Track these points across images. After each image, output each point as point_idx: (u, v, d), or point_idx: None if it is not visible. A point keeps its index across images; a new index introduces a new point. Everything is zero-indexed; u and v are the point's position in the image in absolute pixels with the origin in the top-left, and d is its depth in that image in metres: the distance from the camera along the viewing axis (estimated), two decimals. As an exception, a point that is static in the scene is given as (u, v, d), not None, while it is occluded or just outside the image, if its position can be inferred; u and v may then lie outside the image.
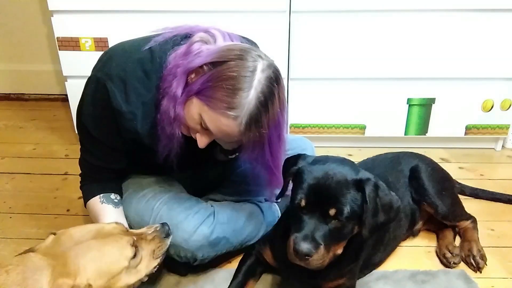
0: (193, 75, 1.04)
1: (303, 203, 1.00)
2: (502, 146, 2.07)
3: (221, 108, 0.99)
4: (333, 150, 2.05)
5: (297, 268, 1.04)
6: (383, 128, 1.99)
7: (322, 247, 0.97)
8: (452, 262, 1.30)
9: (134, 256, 0.98)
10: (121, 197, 1.27)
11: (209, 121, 1.02)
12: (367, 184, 1.00)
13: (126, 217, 1.28)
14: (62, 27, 1.80)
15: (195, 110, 1.03)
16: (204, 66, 1.01)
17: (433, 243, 1.42)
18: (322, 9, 1.76)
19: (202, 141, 1.08)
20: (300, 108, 1.94)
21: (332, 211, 0.98)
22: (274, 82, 1.02)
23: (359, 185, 1.01)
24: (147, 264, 1.03)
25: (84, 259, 0.92)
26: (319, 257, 0.98)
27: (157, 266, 1.06)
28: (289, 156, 1.15)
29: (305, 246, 0.96)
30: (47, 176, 1.81)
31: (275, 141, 1.10)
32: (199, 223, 1.22)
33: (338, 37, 1.80)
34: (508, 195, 1.62)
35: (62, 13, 1.78)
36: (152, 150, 1.15)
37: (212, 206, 1.30)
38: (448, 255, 1.31)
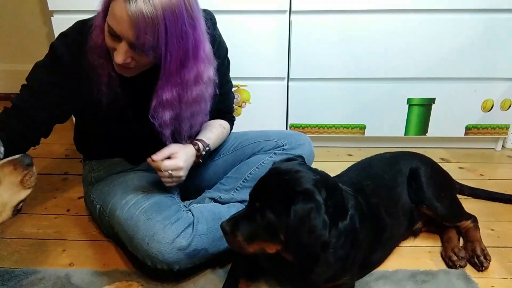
0: None
1: (251, 192, 1.05)
2: (502, 146, 2.07)
3: None
4: (333, 150, 2.05)
5: (290, 270, 1.05)
6: (383, 128, 1.99)
7: (239, 234, 1.02)
8: (458, 266, 1.29)
9: None
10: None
11: (109, 18, 1.04)
12: (302, 201, 0.95)
13: (113, 226, 1.29)
14: (62, 27, 1.79)
15: (106, 24, 1.06)
16: None
17: (433, 243, 1.42)
18: (322, 9, 1.76)
19: (118, 56, 1.06)
20: (300, 108, 1.94)
21: (256, 204, 1.00)
22: None
23: (291, 199, 0.96)
24: (11, 194, 0.98)
25: None
26: (234, 241, 1.04)
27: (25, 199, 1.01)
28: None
29: (223, 225, 1.04)
30: (47, 176, 1.81)
31: (180, 58, 1.08)
32: (177, 234, 1.18)
33: (338, 37, 1.80)
34: (508, 195, 1.62)
35: (62, 13, 1.78)
36: (98, 102, 1.19)
37: (192, 215, 1.25)
38: (454, 258, 1.30)
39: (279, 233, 0.98)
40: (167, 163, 1.20)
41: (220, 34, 1.38)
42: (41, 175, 1.82)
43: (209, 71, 1.20)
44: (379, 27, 1.78)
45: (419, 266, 1.31)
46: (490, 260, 1.30)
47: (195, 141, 1.30)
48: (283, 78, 1.88)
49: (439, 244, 1.41)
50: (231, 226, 1.03)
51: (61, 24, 1.79)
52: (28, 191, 1.02)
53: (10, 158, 1.02)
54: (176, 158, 1.21)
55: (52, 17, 1.79)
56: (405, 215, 1.34)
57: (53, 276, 1.25)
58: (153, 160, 1.20)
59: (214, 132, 1.38)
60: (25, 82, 1.21)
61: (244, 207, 1.08)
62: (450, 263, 1.31)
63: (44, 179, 1.78)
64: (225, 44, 1.40)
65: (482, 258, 1.29)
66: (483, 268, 1.28)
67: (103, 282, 1.24)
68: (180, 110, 1.20)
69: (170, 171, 1.20)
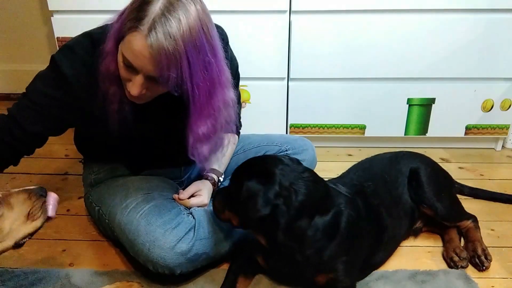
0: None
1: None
2: (502, 146, 2.07)
3: (130, 27, 0.96)
4: (333, 150, 2.05)
5: (285, 267, 1.09)
6: (383, 128, 1.99)
7: (215, 201, 1.21)
8: (460, 266, 1.28)
9: None
10: None
11: (125, 50, 0.99)
12: (255, 177, 1.07)
13: (113, 230, 1.28)
14: (62, 27, 1.80)
15: (120, 53, 1.02)
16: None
17: (433, 243, 1.42)
18: (322, 9, 1.76)
19: (133, 88, 1.02)
20: (300, 108, 1.94)
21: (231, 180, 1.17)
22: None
23: (252, 174, 1.09)
24: (18, 224, 0.94)
25: None
26: (215, 207, 1.21)
27: (37, 230, 0.98)
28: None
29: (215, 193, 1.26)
30: (47, 176, 1.81)
31: (202, 84, 1.03)
32: (178, 239, 1.17)
33: (338, 37, 1.80)
34: (507, 194, 1.62)
35: (62, 13, 1.78)
36: (106, 123, 1.16)
37: (194, 218, 1.25)
38: (456, 258, 1.30)
39: (235, 205, 1.12)
40: (194, 202, 1.31)
41: (231, 50, 1.37)
42: (41, 175, 1.82)
43: (231, 93, 1.17)
44: (379, 27, 1.78)
45: (419, 266, 1.31)
46: (491, 260, 1.30)
47: (211, 175, 1.39)
48: (283, 78, 1.88)
49: (439, 244, 1.41)
50: (215, 193, 1.26)
51: (61, 24, 1.79)
52: (34, 225, 0.97)
53: (26, 187, 1.00)
54: (201, 196, 1.33)
55: (52, 17, 1.79)
56: (406, 215, 1.34)
57: (53, 276, 1.25)
58: (179, 199, 1.31)
59: (226, 155, 1.42)
60: (25, 91, 1.17)
61: None
62: (451, 264, 1.30)
63: (44, 179, 1.78)
64: (236, 60, 1.39)
65: (483, 258, 1.29)
66: (484, 268, 1.28)
67: (103, 282, 1.23)
68: (215, 138, 1.19)
69: (194, 202, 1.31)
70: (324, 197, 1.12)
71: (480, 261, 1.29)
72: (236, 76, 1.36)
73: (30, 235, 0.98)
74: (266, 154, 1.13)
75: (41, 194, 0.99)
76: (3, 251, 0.96)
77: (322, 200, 1.11)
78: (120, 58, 1.02)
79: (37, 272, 1.27)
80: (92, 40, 1.13)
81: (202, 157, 1.18)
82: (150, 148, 1.32)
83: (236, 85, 1.34)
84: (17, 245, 0.97)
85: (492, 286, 1.24)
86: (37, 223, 0.97)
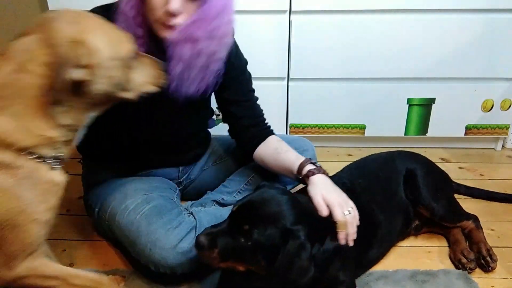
0: None
1: (234, 208, 1.03)
2: (502, 146, 2.07)
3: None
4: (333, 150, 2.05)
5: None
6: (383, 128, 1.99)
7: (216, 250, 1.00)
8: (468, 268, 1.28)
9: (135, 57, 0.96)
10: None
11: None
12: (293, 240, 0.98)
13: (113, 231, 1.28)
14: (62, 27, 1.80)
15: None
16: None
17: (433, 243, 1.42)
18: (322, 9, 1.76)
19: (173, 3, 1.02)
20: (300, 108, 1.94)
21: (245, 227, 0.99)
22: None
23: (285, 234, 0.98)
24: (142, 80, 1.00)
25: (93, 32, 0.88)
26: (209, 257, 1.01)
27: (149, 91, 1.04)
28: None
29: (202, 240, 1.00)
30: (47, 176, 1.81)
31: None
32: (179, 239, 1.17)
33: (338, 37, 1.80)
34: (504, 193, 1.62)
35: (62, 13, 1.78)
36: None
37: (194, 218, 1.25)
38: (464, 260, 1.29)
39: (262, 259, 1.00)
40: (337, 210, 1.07)
41: (238, 46, 1.37)
42: (41, 175, 1.81)
43: (225, 40, 1.16)
44: (379, 27, 1.78)
45: (419, 266, 1.31)
46: (496, 260, 1.29)
47: (312, 167, 1.19)
48: (283, 78, 1.88)
49: (439, 244, 1.41)
50: (209, 242, 1.00)
51: (61, 24, 1.79)
52: (154, 88, 1.04)
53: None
54: (331, 198, 1.10)
55: (52, 17, 1.79)
56: (401, 212, 1.34)
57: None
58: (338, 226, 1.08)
59: (290, 148, 1.31)
60: None
61: (223, 221, 1.05)
62: (459, 266, 1.29)
63: (44, 179, 1.78)
64: (243, 56, 1.39)
65: (488, 258, 1.28)
66: (490, 268, 1.28)
67: (103, 282, 1.23)
68: (197, 54, 1.12)
69: (347, 212, 1.08)
70: (318, 225, 1.07)
71: (485, 262, 1.28)
72: (245, 73, 1.37)
73: (147, 95, 1.04)
74: (265, 194, 1.05)
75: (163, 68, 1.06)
76: (122, 100, 0.99)
77: (315, 223, 1.07)
78: None
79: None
80: (102, 7, 1.14)
81: (179, 52, 1.10)
82: (151, 147, 1.32)
83: (246, 81, 1.37)
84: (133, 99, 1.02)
85: (492, 286, 1.24)
86: (156, 88, 1.05)
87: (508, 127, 1.98)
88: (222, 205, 1.39)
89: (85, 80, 0.86)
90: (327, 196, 1.09)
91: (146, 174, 1.38)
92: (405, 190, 1.36)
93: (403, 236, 1.41)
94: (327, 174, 1.19)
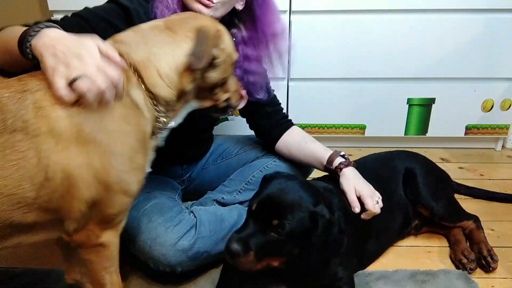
0: None
1: (254, 207, 1.02)
2: (502, 146, 2.07)
3: None
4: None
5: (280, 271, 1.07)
6: (383, 128, 1.99)
7: (252, 253, 0.98)
8: (469, 268, 1.27)
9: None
10: None
11: None
12: (322, 219, 1.01)
13: None
14: (62, 27, 1.80)
15: None
16: None
17: (433, 243, 1.42)
18: (322, 9, 1.76)
19: None
20: (300, 108, 1.94)
21: (274, 222, 0.99)
22: None
23: (312, 216, 1.01)
24: (232, 89, 1.07)
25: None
26: (247, 261, 0.99)
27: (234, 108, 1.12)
28: None
29: (235, 247, 0.98)
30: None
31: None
32: (179, 236, 1.17)
33: (338, 37, 1.80)
34: (504, 193, 1.62)
35: (62, 13, 1.77)
36: None
37: (195, 216, 1.25)
38: (465, 261, 1.29)
39: (295, 248, 1.01)
40: (369, 201, 1.18)
41: None
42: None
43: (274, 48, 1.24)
44: (379, 27, 1.78)
45: (419, 266, 1.31)
46: (497, 261, 1.29)
47: (340, 163, 1.26)
48: (283, 78, 1.88)
49: (439, 244, 1.41)
50: (242, 247, 0.98)
51: (61, 24, 1.79)
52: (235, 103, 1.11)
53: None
54: (363, 190, 1.20)
55: (52, 17, 1.79)
56: (400, 211, 1.35)
57: (53, 276, 1.25)
58: (365, 213, 1.19)
59: (316, 142, 1.38)
60: (75, 13, 1.12)
61: (244, 222, 1.05)
62: (460, 266, 1.29)
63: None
64: None
65: (489, 259, 1.28)
66: (491, 269, 1.27)
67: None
68: (256, 63, 1.23)
69: (375, 202, 1.19)
70: (330, 203, 1.11)
71: (486, 262, 1.28)
72: None
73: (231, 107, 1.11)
74: (281, 185, 1.06)
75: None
76: (204, 104, 1.05)
77: (330, 207, 1.10)
78: None
79: (37, 272, 1.27)
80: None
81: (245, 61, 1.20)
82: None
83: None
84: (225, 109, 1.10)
85: (492, 286, 1.24)
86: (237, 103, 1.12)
87: (508, 127, 1.98)
88: (222, 204, 1.39)
89: (217, 60, 0.95)
90: (359, 189, 1.20)
91: (149, 172, 1.37)
92: (405, 190, 1.37)
93: (402, 235, 1.41)
94: (354, 165, 1.27)
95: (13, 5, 2.32)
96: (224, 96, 1.06)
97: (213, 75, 0.98)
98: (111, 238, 0.91)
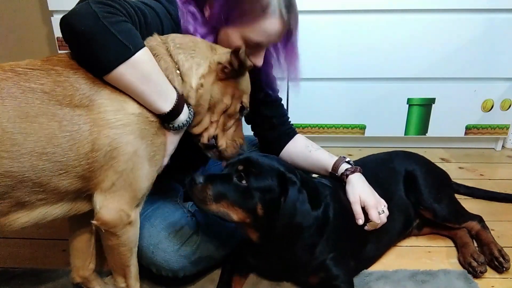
0: (207, 9, 1.09)
1: (230, 161, 1.08)
2: (502, 146, 2.08)
3: (258, 15, 1.04)
4: (333, 150, 2.02)
5: (275, 264, 1.08)
6: (383, 128, 1.99)
7: (210, 187, 1.00)
8: (479, 271, 1.25)
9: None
10: None
11: (256, 34, 1.07)
12: (292, 185, 1.01)
13: None
14: (62, 27, 1.80)
15: (235, 37, 1.08)
16: None
17: (433, 243, 1.42)
18: (322, 9, 1.76)
19: (258, 60, 1.13)
20: (300, 108, 1.94)
21: (240, 167, 1.02)
22: None
23: (282, 178, 1.02)
24: (230, 134, 1.09)
25: None
26: (202, 192, 1.01)
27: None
28: None
29: (197, 176, 1.02)
30: (47, 176, 1.81)
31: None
32: (181, 242, 1.16)
33: (338, 37, 1.80)
34: (504, 193, 1.62)
35: (62, 13, 1.76)
36: None
37: (197, 221, 1.23)
38: (474, 264, 1.26)
39: (257, 203, 1.01)
40: (373, 212, 1.17)
41: None
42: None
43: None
44: (379, 27, 1.78)
45: (419, 266, 1.31)
46: (509, 260, 1.27)
47: (346, 169, 1.25)
48: (283, 78, 1.88)
49: (439, 244, 1.41)
50: (205, 178, 1.02)
51: (61, 24, 1.79)
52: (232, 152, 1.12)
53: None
54: (368, 200, 1.18)
55: (52, 17, 1.79)
56: (401, 212, 1.34)
57: (53, 276, 1.25)
58: (369, 224, 1.19)
59: (319, 146, 1.39)
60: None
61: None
62: (470, 269, 1.27)
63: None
64: None
65: (501, 259, 1.26)
66: (504, 269, 1.26)
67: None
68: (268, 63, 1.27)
69: (381, 211, 1.18)
70: (316, 190, 1.13)
71: (498, 262, 1.26)
72: None
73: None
74: (260, 154, 1.10)
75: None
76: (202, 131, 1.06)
77: (315, 193, 1.11)
78: (238, 42, 1.08)
79: (37, 272, 1.27)
80: (170, 15, 1.08)
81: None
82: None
83: (276, 79, 1.44)
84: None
85: (492, 286, 1.24)
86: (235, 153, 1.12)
87: (508, 127, 1.98)
88: None
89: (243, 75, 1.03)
90: (364, 198, 1.18)
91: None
92: (406, 192, 1.36)
93: (404, 235, 1.41)
94: (360, 171, 1.25)
95: (13, 5, 2.32)
96: (222, 140, 1.07)
97: (244, 84, 1.04)
98: (137, 216, 0.97)
